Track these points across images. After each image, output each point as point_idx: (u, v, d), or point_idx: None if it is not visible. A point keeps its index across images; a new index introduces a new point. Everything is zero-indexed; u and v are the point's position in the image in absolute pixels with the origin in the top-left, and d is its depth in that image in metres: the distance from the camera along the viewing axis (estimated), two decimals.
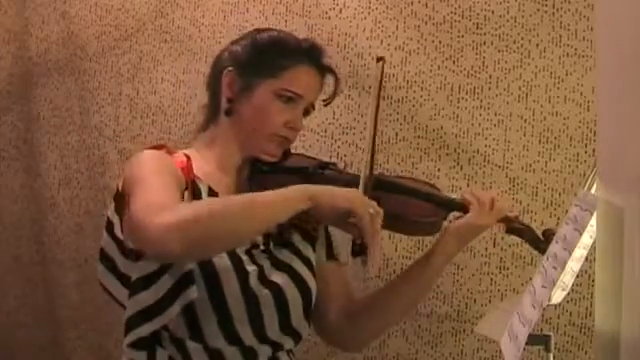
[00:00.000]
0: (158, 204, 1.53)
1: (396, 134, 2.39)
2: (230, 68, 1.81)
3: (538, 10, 2.30)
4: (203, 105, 1.89)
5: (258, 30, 1.90)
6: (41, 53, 2.67)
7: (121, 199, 1.68)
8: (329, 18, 2.44)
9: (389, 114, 2.38)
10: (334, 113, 2.41)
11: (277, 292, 1.74)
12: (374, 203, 1.66)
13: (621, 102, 1.30)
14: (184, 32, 2.55)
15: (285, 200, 1.59)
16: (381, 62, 1.82)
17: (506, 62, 2.33)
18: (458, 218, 1.88)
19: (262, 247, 1.77)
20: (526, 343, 1.37)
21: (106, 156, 2.60)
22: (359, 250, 1.64)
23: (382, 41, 2.39)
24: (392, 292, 1.90)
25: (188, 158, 1.75)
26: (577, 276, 1.64)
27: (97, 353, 2.66)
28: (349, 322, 1.90)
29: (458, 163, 2.35)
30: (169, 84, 2.57)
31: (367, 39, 2.41)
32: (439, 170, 2.36)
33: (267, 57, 1.81)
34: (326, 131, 2.42)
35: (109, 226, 1.73)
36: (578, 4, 2.28)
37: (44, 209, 2.68)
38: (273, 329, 1.73)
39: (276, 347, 1.74)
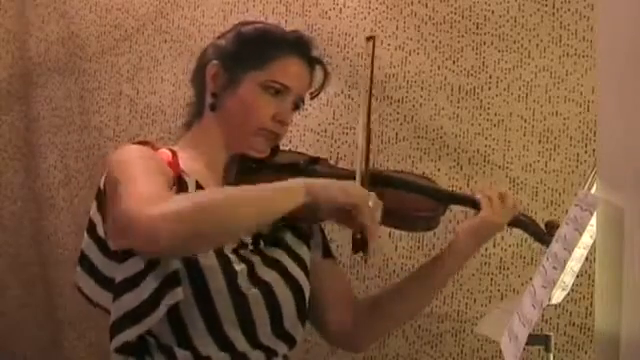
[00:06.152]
0: (150, 194, 1.46)
1: (396, 134, 2.39)
2: (214, 61, 1.74)
3: (538, 10, 2.31)
4: (188, 103, 1.82)
5: (243, 22, 1.83)
6: (41, 53, 2.67)
7: (103, 198, 1.61)
8: (329, 18, 2.44)
9: (389, 114, 2.38)
10: (334, 113, 2.41)
11: (267, 290, 1.66)
12: (373, 195, 1.61)
13: (621, 102, 1.30)
14: (184, 32, 2.55)
15: (284, 192, 1.54)
16: (371, 41, 1.76)
17: (506, 62, 2.33)
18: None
19: (251, 247, 1.70)
20: (526, 343, 1.37)
21: (106, 156, 2.59)
22: (360, 245, 1.59)
23: (382, 41, 2.39)
24: (401, 292, 1.84)
25: (174, 154, 1.68)
26: (577, 276, 1.64)
27: (97, 353, 2.66)
28: (352, 322, 1.84)
29: (458, 163, 2.35)
30: (169, 84, 2.56)
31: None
32: (439, 170, 2.35)
33: (252, 48, 1.74)
34: (326, 131, 2.42)
35: (91, 227, 1.67)
36: (578, 4, 2.28)
37: (44, 209, 2.68)
38: (265, 332, 1.65)
39: (269, 353, 1.67)
